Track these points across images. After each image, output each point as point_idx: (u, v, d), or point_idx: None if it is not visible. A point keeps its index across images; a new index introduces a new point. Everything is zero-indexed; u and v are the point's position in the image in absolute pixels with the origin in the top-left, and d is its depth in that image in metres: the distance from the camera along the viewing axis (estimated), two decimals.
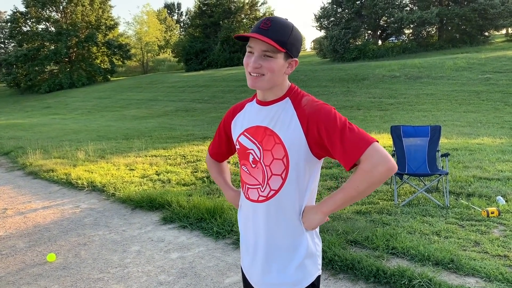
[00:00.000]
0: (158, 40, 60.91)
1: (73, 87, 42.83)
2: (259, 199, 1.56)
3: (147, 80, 38.27)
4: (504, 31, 44.06)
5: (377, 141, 1.37)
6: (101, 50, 48.01)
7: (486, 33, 41.01)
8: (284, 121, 1.48)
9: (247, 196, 1.61)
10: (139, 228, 4.78)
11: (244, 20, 54.27)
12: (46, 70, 45.10)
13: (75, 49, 46.14)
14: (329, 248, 3.62)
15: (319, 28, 43.31)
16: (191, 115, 21.21)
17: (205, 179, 6.58)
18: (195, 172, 7.13)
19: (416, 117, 14.87)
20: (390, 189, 5.47)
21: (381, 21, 41.46)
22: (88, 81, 44.60)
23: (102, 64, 47.80)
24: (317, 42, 46.05)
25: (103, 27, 48.30)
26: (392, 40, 43.03)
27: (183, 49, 51.50)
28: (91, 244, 4.35)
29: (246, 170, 1.60)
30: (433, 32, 41.95)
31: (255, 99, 1.62)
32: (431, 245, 3.67)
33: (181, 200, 5.27)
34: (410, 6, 41.65)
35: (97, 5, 47.80)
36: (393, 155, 5.39)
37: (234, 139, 1.66)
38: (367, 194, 1.42)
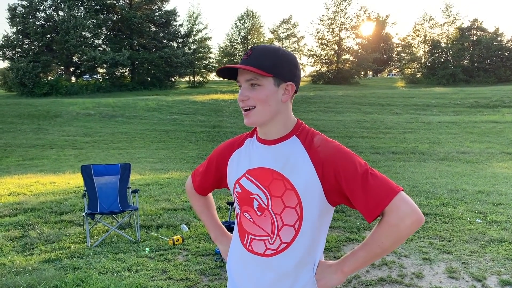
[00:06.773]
0: None
1: None
2: (266, 253, 1.35)
3: None
4: (187, 78, 50.88)
5: (403, 190, 1.23)
6: None
7: (172, 79, 46.27)
8: (295, 164, 1.30)
9: (249, 248, 1.38)
10: None
11: None
12: None
13: None
14: None
15: (1, 58, 38.76)
16: None
17: None
18: None
19: (112, 155, 15.09)
20: (82, 231, 5.27)
21: (74, 58, 40.72)
22: None
23: None
24: (1, 73, 40.82)
25: None
26: (86, 78, 42.86)
27: None
28: None
29: (249, 218, 1.38)
30: (126, 74, 44.18)
31: (255, 135, 1.42)
32: (122, 281, 3.70)
33: None
34: (104, 47, 42.70)
35: None
36: (84, 195, 5.25)
37: (232, 180, 1.44)
38: (391, 251, 1.28)
